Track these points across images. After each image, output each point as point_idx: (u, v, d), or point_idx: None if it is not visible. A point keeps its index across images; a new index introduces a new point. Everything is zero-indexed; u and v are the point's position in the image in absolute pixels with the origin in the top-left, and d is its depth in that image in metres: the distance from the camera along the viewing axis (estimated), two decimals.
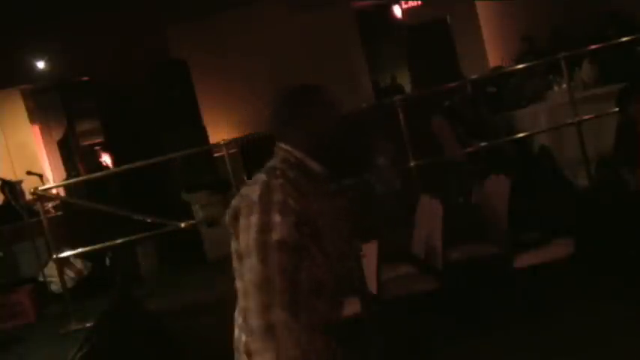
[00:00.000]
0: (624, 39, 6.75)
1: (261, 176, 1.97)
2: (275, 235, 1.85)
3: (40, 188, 6.24)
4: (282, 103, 2.08)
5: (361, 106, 8.42)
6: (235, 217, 1.95)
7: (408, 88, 11.38)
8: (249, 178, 2.17)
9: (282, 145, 2.04)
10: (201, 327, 5.22)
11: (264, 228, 1.86)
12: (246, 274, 1.89)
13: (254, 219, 1.88)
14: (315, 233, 1.92)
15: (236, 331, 2.01)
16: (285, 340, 1.82)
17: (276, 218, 1.86)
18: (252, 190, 1.94)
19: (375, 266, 4.04)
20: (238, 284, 1.96)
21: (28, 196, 6.98)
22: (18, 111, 10.08)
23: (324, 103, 2.06)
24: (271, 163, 2.02)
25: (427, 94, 7.42)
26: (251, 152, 7.91)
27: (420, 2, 11.61)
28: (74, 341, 4.90)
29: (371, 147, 6.14)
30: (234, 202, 1.99)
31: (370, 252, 4.00)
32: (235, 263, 1.98)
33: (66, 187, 8.78)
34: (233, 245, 1.98)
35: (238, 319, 1.99)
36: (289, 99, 2.08)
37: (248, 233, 1.89)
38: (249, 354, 1.89)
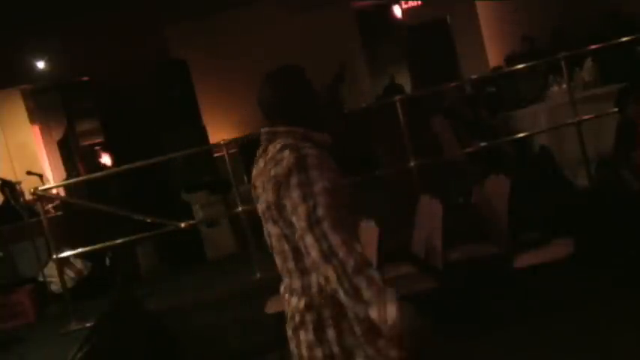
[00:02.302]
0: (624, 39, 6.74)
1: (285, 153, 2.09)
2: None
3: (40, 188, 6.23)
4: (277, 87, 2.24)
5: (361, 106, 8.43)
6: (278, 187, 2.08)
7: (408, 88, 11.37)
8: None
9: (281, 128, 2.19)
10: (201, 327, 5.23)
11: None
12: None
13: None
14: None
15: (289, 303, 2.16)
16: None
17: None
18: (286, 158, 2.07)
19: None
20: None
21: (28, 196, 6.97)
22: (18, 111, 10.07)
23: (307, 80, 2.28)
24: (280, 143, 2.14)
25: (427, 94, 7.42)
26: (251, 152, 7.89)
27: (420, 2, 11.62)
28: (74, 341, 4.89)
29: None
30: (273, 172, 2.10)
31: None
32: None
33: (66, 187, 8.77)
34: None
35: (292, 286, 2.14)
36: (282, 82, 2.25)
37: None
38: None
